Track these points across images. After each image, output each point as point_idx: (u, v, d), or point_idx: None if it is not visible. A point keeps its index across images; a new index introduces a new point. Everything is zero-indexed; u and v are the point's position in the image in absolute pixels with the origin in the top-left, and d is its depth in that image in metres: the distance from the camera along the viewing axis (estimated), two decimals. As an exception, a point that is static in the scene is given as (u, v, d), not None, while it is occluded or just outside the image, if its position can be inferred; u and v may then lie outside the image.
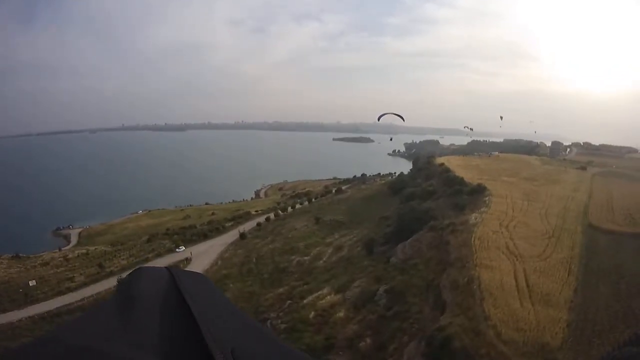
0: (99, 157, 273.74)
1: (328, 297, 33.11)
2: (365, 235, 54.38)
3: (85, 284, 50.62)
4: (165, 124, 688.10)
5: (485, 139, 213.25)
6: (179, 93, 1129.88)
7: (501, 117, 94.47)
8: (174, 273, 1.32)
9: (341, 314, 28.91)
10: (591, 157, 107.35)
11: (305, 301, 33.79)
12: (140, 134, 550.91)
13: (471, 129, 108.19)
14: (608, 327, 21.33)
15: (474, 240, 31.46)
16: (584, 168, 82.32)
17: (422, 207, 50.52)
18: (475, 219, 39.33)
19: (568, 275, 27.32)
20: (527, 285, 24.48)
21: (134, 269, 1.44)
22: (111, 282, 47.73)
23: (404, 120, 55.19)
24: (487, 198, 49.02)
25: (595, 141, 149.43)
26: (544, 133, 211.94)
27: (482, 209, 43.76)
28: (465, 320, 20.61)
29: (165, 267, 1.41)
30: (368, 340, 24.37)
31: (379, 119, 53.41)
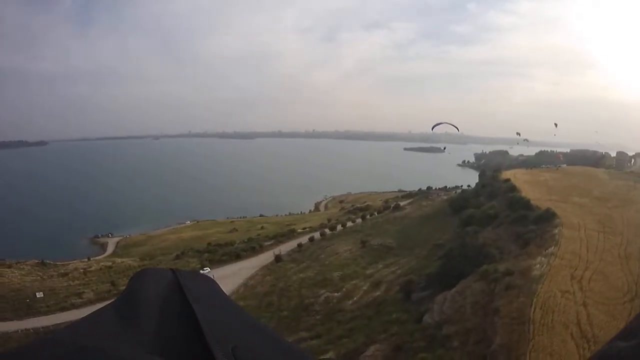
0: (159, 162, 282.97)
1: (327, 368, 27.23)
2: (412, 267, 48.11)
3: (91, 302, 47.08)
4: (234, 131, 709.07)
5: (552, 149, 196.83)
6: (249, 102, 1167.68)
7: (555, 125, 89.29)
8: (177, 274, 1.35)
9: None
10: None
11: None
12: (206, 140, 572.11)
13: (521, 136, 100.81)
14: None
15: (533, 311, 23.42)
16: (653, 182, 68.42)
17: (477, 239, 43.03)
18: (541, 266, 31.32)
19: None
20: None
21: (137, 270, 1.47)
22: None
23: (458, 131, 56.88)
24: (556, 230, 40.11)
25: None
26: (606, 142, 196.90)
27: (549, 249, 35.22)
28: None
29: (170, 269, 1.43)
30: None
31: (432, 129, 53.32)
